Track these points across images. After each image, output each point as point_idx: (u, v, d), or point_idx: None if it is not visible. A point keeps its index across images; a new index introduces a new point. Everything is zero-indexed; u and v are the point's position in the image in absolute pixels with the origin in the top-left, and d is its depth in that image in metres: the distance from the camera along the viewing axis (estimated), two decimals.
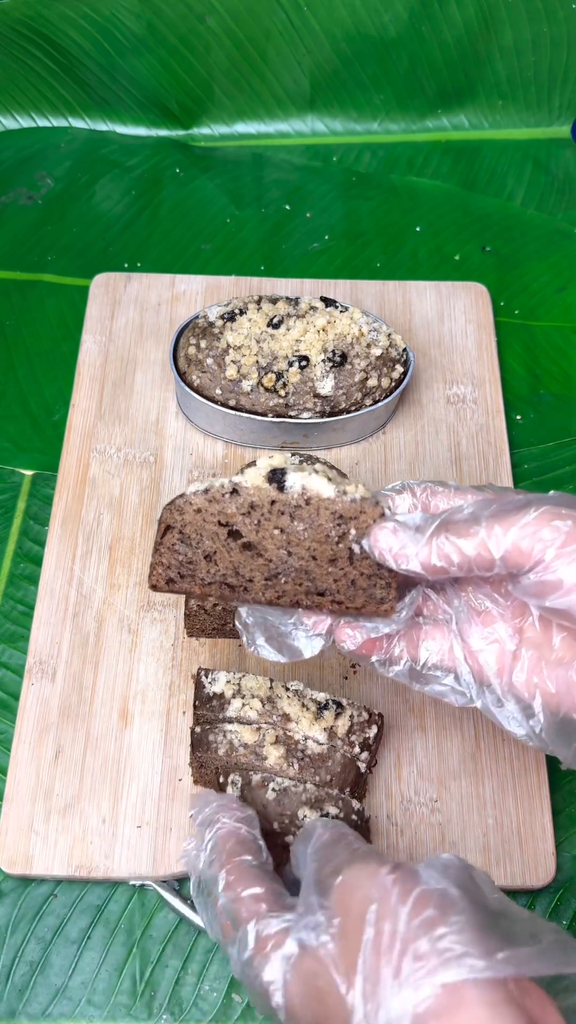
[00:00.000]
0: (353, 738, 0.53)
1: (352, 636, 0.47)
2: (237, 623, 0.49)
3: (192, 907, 0.53)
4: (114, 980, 0.54)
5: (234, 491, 0.46)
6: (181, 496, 0.47)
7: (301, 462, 0.48)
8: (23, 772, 0.57)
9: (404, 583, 0.47)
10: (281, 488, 0.46)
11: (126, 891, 0.56)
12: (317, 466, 0.48)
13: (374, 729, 0.54)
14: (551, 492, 0.44)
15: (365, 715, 0.54)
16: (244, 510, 0.46)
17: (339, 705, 0.54)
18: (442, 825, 0.56)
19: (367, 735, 0.54)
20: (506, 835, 0.55)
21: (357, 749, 0.53)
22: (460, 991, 0.33)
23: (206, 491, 0.46)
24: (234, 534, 0.46)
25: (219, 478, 0.47)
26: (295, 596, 0.46)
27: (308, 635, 0.47)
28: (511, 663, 0.45)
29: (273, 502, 0.46)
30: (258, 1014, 0.49)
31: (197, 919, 0.53)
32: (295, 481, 0.46)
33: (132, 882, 0.55)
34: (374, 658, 0.48)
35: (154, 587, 0.47)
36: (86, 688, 0.60)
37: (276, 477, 0.46)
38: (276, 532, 0.46)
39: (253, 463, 0.47)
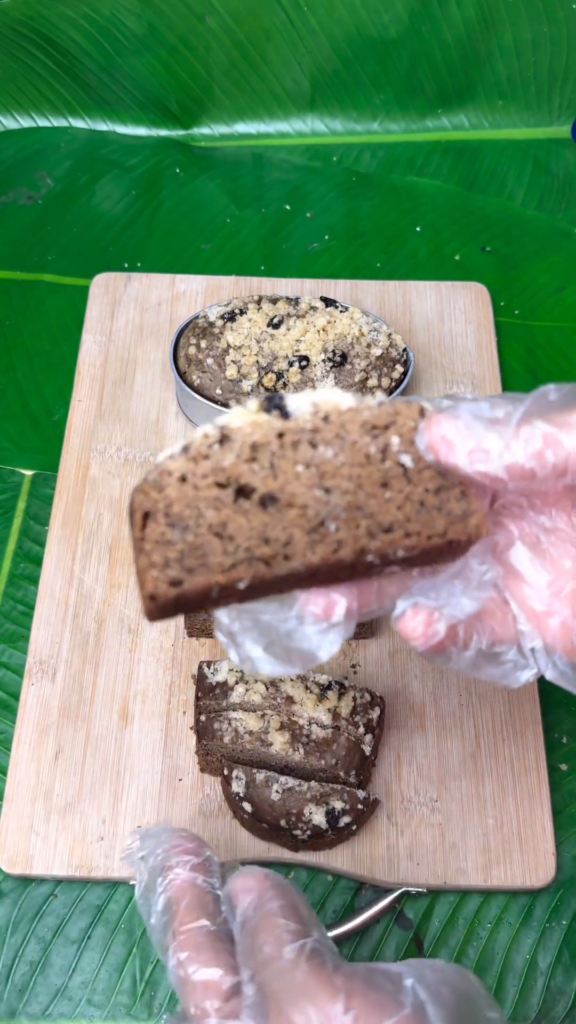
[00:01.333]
0: (357, 718, 0.54)
1: (431, 622, 0.35)
2: (218, 635, 0.37)
3: None
4: (114, 980, 0.54)
5: (223, 439, 0.35)
6: (153, 470, 0.35)
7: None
8: (23, 772, 0.57)
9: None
10: (285, 414, 0.35)
11: (126, 891, 0.56)
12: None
13: (377, 711, 0.55)
14: None
15: (368, 696, 0.55)
16: (247, 456, 0.35)
17: (341, 686, 0.55)
18: (442, 825, 0.56)
19: (370, 716, 0.55)
20: (506, 835, 0.55)
21: (361, 730, 0.54)
22: None
23: (185, 450, 0.35)
24: (243, 491, 0.35)
25: (198, 429, 0.35)
26: (358, 544, 0.35)
27: (322, 629, 0.36)
28: None
29: (281, 434, 0.35)
30: None
31: None
32: (301, 401, 0.35)
33: (132, 882, 0.55)
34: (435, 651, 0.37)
35: (152, 598, 0.34)
36: (86, 688, 0.59)
37: (275, 403, 0.35)
38: (300, 469, 0.35)
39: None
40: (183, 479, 0.34)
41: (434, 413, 0.35)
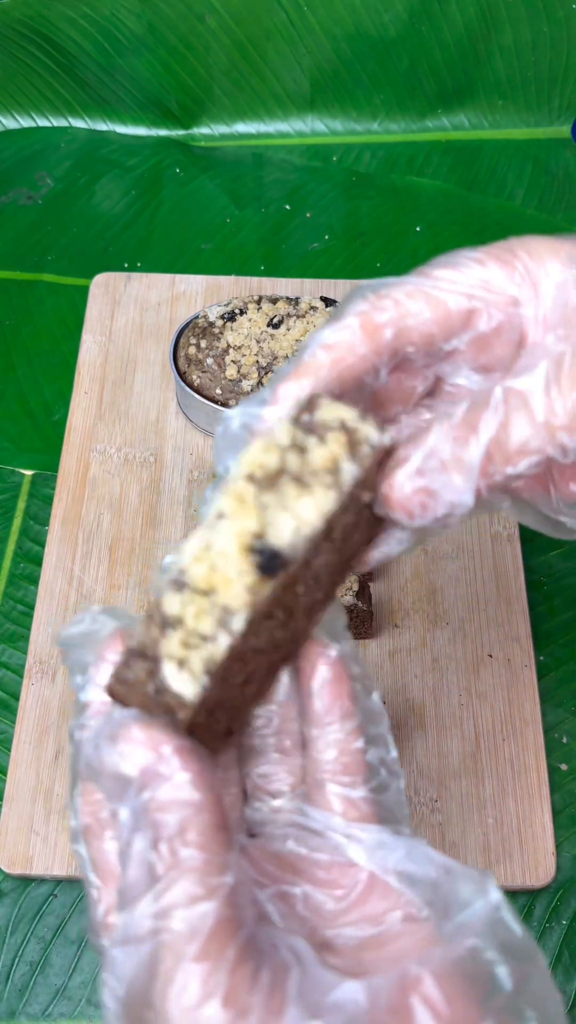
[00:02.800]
0: None
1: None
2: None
3: None
4: None
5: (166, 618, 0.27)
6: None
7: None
8: (23, 772, 0.57)
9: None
10: (285, 564, 0.27)
11: None
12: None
13: (380, 691, 0.55)
14: None
15: None
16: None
17: None
18: (442, 825, 0.56)
19: None
20: (506, 835, 0.55)
21: None
22: None
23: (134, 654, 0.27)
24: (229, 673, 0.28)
25: (134, 617, 0.29)
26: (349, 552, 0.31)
27: None
28: None
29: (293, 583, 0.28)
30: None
31: None
32: (293, 541, 0.27)
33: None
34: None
35: (215, 751, 0.29)
36: None
37: (272, 566, 0.27)
38: (301, 590, 0.29)
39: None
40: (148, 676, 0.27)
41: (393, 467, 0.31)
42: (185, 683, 0.27)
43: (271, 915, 0.29)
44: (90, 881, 0.29)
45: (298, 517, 0.27)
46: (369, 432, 0.29)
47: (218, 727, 0.29)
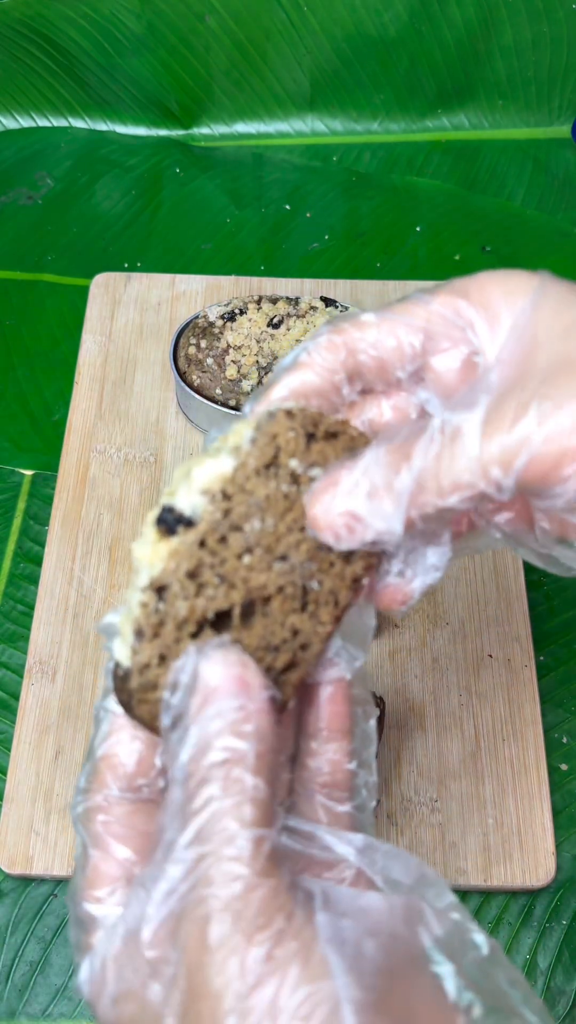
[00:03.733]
0: None
1: (402, 589, 0.33)
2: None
3: None
4: None
5: (160, 592, 0.30)
6: (129, 675, 0.30)
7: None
8: (23, 772, 0.57)
9: None
10: (188, 522, 0.30)
11: None
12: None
13: (377, 712, 0.55)
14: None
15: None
16: (193, 591, 0.30)
17: None
18: (442, 825, 0.56)
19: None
20: (506, 835, 0.55)
21: None
22: None
23: (139, 634, 0.30)
24: (219, 622, 0.30)
25: (125, 607, 0.30)
26: (348, 578, 0.32)
27: None
28: None
29: (203, 542, 0.30)
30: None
31: None
32: (190, 498, 0.31)
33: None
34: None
35: None
36: (86, 688, 0.59)
37: (170, 521, 0.30)
38: (247, 560, 0.31)
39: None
40: (163, 659, 0.30)
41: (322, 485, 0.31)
42: (119, 648, 0.30)
43: None
44: (87, 852, 0.30)
45: (191, 479, 0.30)
46: (293, 405, 0.32)
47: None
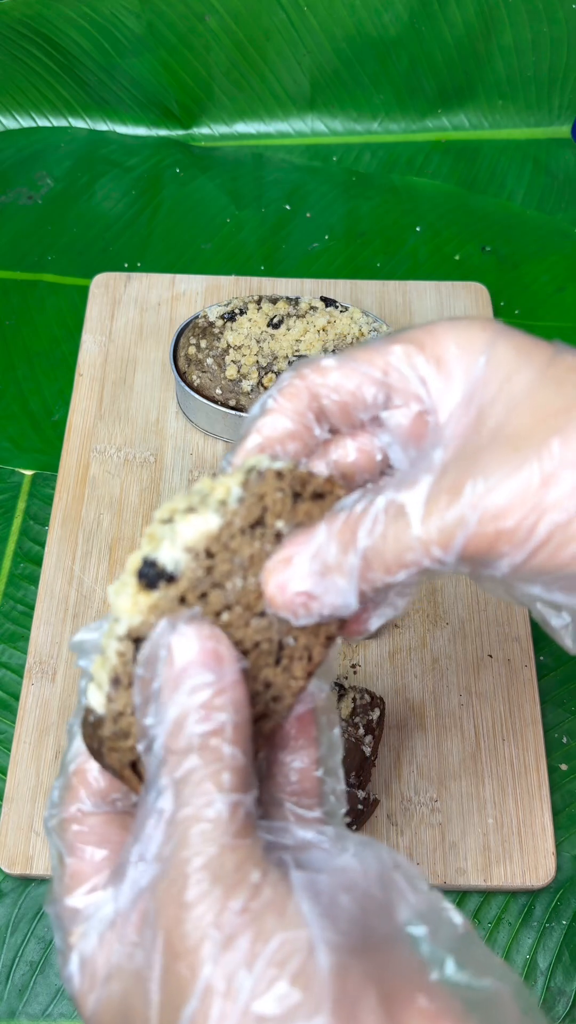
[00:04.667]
0: (357, 720, 0.54)
1: (363, 621, 0.34)
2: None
3: None
4: None
5: (137, 643, 0.30)
6: (102, 722, 0.30)
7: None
8: (23, 772, 0.57)
9: None
10: (169, 577, 0.30)
11: None
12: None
13: (377, 712, 0.55)
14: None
15: (367, 697, 0.55)
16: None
17: (341, 687, 0.54)
18: (442, 825, 0.56)
19: (370, 717, 0.54)
20: (506, 835, 0.55)
21: (361, 731, 0.54)
22: None
23: (116, 682, 0.30)
24: None
25: (101, 657, 0.31)
26: (324, 635, 0.33)
27: None
28: None
29: (183, 599, 0.30)
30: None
31: None
32: (174, 554, 0.30)
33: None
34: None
35: None
36: None
37: (152, 576, 0.30)
38: (226, 617, 0.31)
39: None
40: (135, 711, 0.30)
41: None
42: (94, 695, 0.30)
43: None
44: (63, 860, 0.31)
45: (175, 534, 0.30)
46: (282, 466, 0.32)
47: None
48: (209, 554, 0.31)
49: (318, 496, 0.32)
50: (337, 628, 0.32)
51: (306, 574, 0.31)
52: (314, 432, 0.35)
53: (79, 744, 0.32)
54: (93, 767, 0.32)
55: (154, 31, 0.84)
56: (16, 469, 0.70)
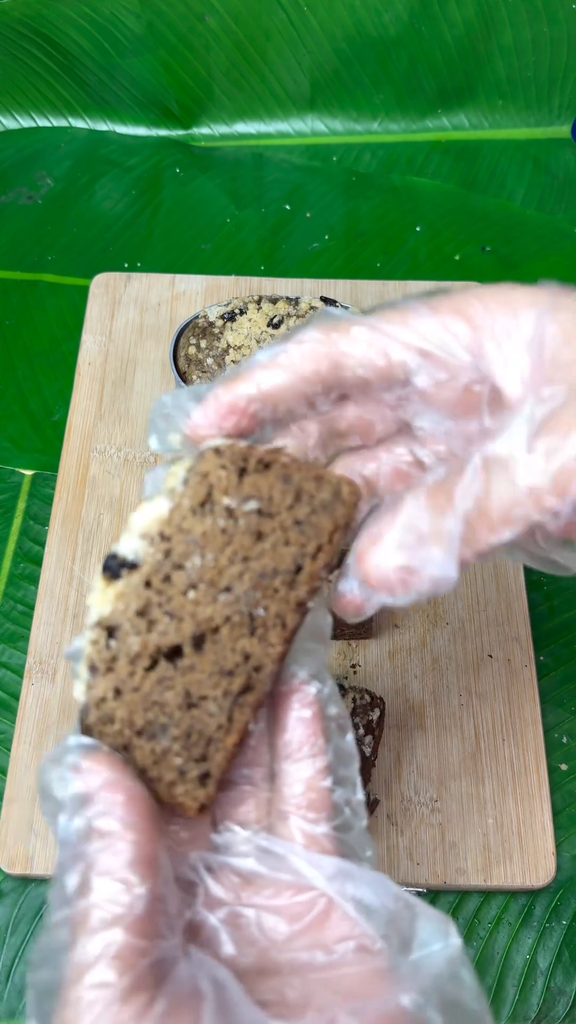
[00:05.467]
0: (356, 720, 0.54)
1: (361, 603, 0.33)
2: None
3: None
4: None
5: (111, 632, 0.32)
6: (85, 710, 0.32)
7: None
8: (23, 772, 0.57)
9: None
10: (131, 565, 0.32)
11: None
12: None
13: (377, 712, 0.55)
14: None
15: (367, 698, 0.55)
16: (144, 627, 0.32)
17: (341, 688, 0.54)
18: (442, 825, 0.56)
19: (370, 717, 0.54)
20: (506, 835, 0.55)
21: (361, 731, 0.54)
22: None
23: (93, 670, 0.32)
24: (173, 655, 0.32)
25: (77, 644, 0.32)
26: (292, 603, 0.32)
27: None
28: None
29: (148, 583, 0.32)
30: None
31: None
32: (131, 544, 0.33)
33: None
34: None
35: (202, 808, 0.31)
36: None
37: (114, 567, 0.33)
38: (192, 595, 0.32)
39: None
40: (119, 692, 0.31)
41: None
42: (77, 687, 0.32)
43: (220, 940, 0.29)
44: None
45: (130, 524, 0.32)
46: (221, 443, 0.33)
47: (175, 761, 0.31)
48: (164, 537, 0.32)
49: (264, 466, 0.33)
50: (308, 593, 0.32)
51: (398, 547, 0.29)
52: (315, 404, 0.33)
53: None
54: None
55: (154, 31, 0.84)
56: (16, 469, 0.70)
